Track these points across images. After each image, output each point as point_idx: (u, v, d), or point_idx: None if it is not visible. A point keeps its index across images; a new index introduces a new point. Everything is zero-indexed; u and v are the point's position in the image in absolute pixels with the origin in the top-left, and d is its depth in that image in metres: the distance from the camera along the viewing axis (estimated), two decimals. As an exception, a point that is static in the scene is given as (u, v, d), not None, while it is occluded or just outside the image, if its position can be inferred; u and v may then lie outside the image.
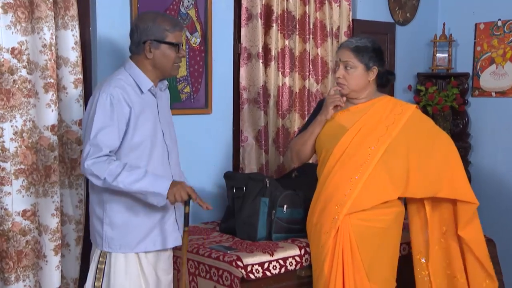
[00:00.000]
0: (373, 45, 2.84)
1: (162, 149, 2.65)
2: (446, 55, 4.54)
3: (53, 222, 2.99)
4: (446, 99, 4.39)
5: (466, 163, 4.51)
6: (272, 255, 2.90)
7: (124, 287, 2.60)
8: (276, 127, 3.85)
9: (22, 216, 2.89)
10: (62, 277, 3.11)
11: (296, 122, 3.90)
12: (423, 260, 2.95)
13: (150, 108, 2.62)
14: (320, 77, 3.99)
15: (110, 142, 2.48)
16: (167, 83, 2.76)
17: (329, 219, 2.76)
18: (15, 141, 2.87)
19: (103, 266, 2.61)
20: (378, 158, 2.73)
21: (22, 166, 2.88)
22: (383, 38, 4.33)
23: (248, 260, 2.82)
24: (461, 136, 4.53)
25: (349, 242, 2.72)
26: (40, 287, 3.00)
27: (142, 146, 2.57)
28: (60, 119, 3.06)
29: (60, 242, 3.01)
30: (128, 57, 2.67)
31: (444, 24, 4.55)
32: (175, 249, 2.85)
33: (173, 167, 2.71)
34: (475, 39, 4.50)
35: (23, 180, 2.89)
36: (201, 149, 3.57)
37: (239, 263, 2.79)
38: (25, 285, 2.93)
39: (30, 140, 2.90)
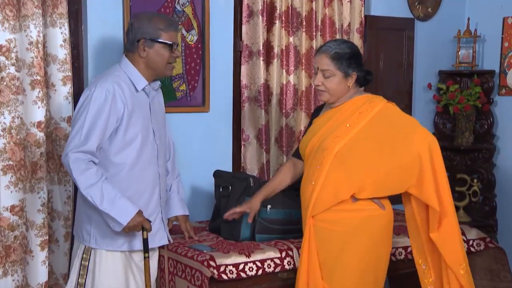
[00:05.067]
0: (352, 50, 2.73)
1: (152, 148, 2.68)
2: (471, 51, 4.30)
3: (39, 218, 3.04)
4: (469, 98, 4.15)
5: (490, 165, 4.27)
6: (248, 256, 2.83)
7: (109, 285, 2.62)
8: (279, 126, 3.78)
9: (10, 212, 2.95)
10: (51, 272, 3.16)
11: (302, 121, 3.80)
12: (424, 267, 2.79)
13: (142, 107, 2.66)
14: (328, 75, 3.87)
15: (98, 138, 2.52)
16: (159, 83, 2.78)
17: (304, 221, 2.76)
18: (3, 138, 2.93)
19: (87, 262, 2.65)
20: (331, 159, 2.64)
21: (10, 162, 2.94)
22: (400, 34, 4.17)
23: (222, 260, 2.77)
24: (485, 137, 4.28)
25: (308, 243, 2.68)
26: (27, 282, 3.04)
27: (133, 144, 2.61)
28: (49, 116, 3.11)
29: (47, 237, 3.06)
30: (123, 55, 2.71)
31: (468, 19, 4.31)
32: (160, 248, 2.86)
33: (161, 167, 2.76)
34: (502, 34, 4.22)
35: (11, 176, 2.94)
36: (198, 148, 3.55)
37: (211, 262, 2.75)
38: (13, 280, 2.98)
39: (18, 137, 2.95)
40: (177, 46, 2.67)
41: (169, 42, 2.61)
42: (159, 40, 2.60)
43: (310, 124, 2.93)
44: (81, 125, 2.51)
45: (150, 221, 2.58)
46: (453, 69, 4.36)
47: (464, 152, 4.34)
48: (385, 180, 2.65)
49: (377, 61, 4.09)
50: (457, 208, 4.24)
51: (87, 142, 2.49)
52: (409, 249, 3.06)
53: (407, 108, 4.23)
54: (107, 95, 2.52)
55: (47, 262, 3.06)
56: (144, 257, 2.56)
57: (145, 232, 2.54)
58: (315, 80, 2.74)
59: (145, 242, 2.54)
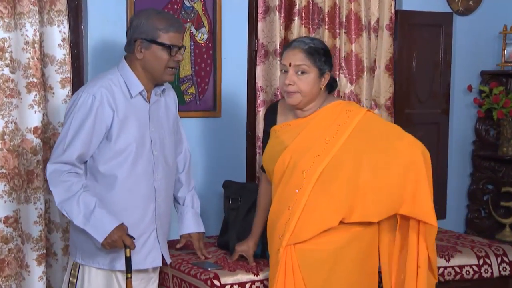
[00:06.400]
0: (326, 47, 2.50)
1: (148, 160, 2.48)
2: (519, 49, 3.95)
3: (36, 230, 2.90)
4: (516, 102, 3.79)
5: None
6: (257, 274, 2.62)
7: None
8: (299, 133, 3.50)
9: (4, 223, 2.82)
10: (49, 287, 3.01)
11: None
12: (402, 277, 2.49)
13: (139, 113, 2.47)
14: (354, 77, 3.59)
15: (80, 148, 2.40)
16: (164, 87, 2.57)
17: (273, 250, 2.47)
18: (-5, 144, 2.80)
19: (75, 279, 2.51)
20: (313, 183, 2.36)
21: (3, 171, 2.81)
22: (436, 31, 3.87)
23: (227, 279, 2.57)
24: (534, 147, 3.90)
25: (292, 273, 2.39)
26: (23, 298, 2.90)
27: (125, 153, 2.43)
28: (46, 121, 2.98)
29: (44, 251, 2.92)
30: (123, 57, 2.54)
31: (516, 13, 3.96)
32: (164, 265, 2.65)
33: (159, 180, 2.52)
34: (557, 29, 3.87)
35: (5, 185, 2.82)
36: (209, 156, 3.34)
37: (215, 281, 2.54)
38: (6, 296, 2.85)
39: (12, 143, 2.82)
40: (179, 48, 2.45)
41: (167, 44, 2.40)
42: (157, 41, 2.40)
43: (267, 132, 2.61)
44: (65, 134, 2.41)
45: (133, 238, 2.35)
46: (497, 69, 4.03)
47: (510, 163, 4.02)
48: (378, 201, 2.37)
49: (409, 61, 3.79)
50: (503, 226, 3.92)
51: (66, 152, 2.38)
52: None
53: (444, 113, 3.92)
54: (93, 101, 2.38)
55: (44, 278, 2.93)
56: (127, 278, 2.33)
57: (128, 250, 2.31)
58: (287, 79, 2.41)
59: (128, 260, 2.32)
